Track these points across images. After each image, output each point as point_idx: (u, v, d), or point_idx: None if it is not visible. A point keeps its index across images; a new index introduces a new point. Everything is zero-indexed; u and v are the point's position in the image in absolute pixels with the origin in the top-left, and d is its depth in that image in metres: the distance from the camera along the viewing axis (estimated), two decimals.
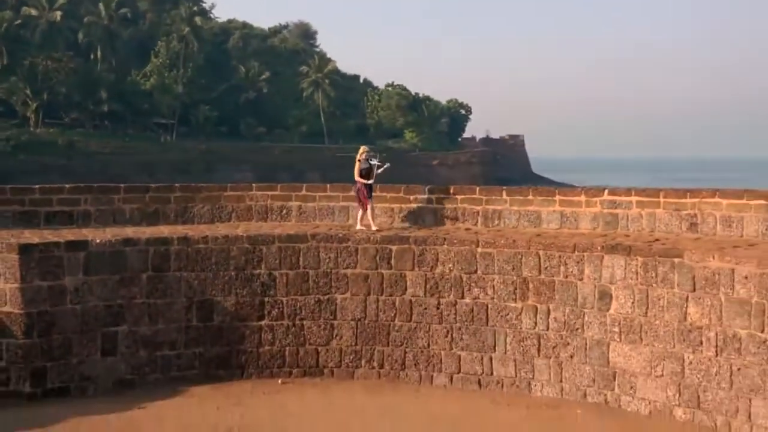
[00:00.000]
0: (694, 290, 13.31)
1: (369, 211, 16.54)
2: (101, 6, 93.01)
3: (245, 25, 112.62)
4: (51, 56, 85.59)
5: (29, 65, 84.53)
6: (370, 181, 16.67)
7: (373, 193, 16.84)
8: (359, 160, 16.78)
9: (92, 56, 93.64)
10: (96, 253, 14.85)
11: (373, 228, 16.35)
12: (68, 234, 15.54)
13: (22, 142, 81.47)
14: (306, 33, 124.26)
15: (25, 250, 14.28)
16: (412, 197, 17.63)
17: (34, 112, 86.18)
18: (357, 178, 16.69)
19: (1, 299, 14.23)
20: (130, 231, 16.11)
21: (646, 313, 13.88)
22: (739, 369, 12.74)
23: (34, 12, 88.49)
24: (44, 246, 14.54)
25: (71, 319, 14.53)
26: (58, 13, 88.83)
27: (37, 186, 17.66)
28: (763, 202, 14.73)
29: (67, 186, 17.82)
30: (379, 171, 16.95)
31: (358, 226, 16.51)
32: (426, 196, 17.59)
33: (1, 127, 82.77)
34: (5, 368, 14.18)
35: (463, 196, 17.43)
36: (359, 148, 17.58)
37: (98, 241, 15.05)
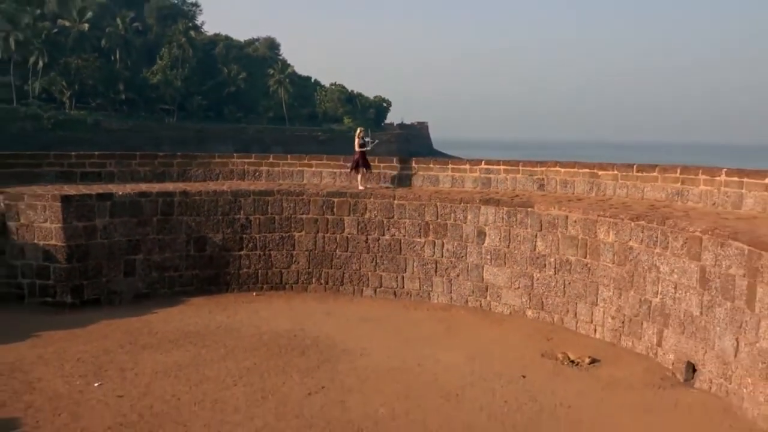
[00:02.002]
0: (541, 230, 13.73)
1: (360, 176, 16.39)
2: (119, 20, 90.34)
3: (227, 38, 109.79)
4: (81, 57, 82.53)
5: (64, 63, 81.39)
6: (362, 150, 16.47)
7: (366, 162, 16.54)
8: (358, 137, 16.56)
9: (112, 57, 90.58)
10: (119, 202, 14.56)
11: (360, 188, 16.18)
12: (98, 188, 15.15)
13: (59, 121, 78.81)
14: (272, 45, 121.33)
15: (65, 199, 13.92)
16: (348, 164, 17.62)
17: (68, 99, 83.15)
18: (356, 149, 16.50)
19: (48, 235, 13.89)
20: (144, 186, 15.80)
21: (509, 245, 14.26)
22: (569, 283, 13.28)
23: (67, 23, 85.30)
24: (80, 197, 14.19)
25: (101, 250, 14.28)
26: (86, 25, 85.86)
27: (73, 152, 17.13)
28: (587, 170, 15.21)
29: (96, 153, 17.39)
30: (370, 147, 16.85)
31: (360, 186, 16.29)
32: None
33: (44, 109, 79.85)
34: (53, 285, 13.92)
35: (384, 164, 17.56)
36: (357, 129, 17.54)
37: (120, 193, 14.74)
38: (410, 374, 10.61)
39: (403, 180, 17.04)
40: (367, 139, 16.76)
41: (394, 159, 17.77)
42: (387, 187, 16.69)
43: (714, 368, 9.82)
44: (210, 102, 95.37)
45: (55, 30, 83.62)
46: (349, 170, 16.85)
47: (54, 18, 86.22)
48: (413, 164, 17.31)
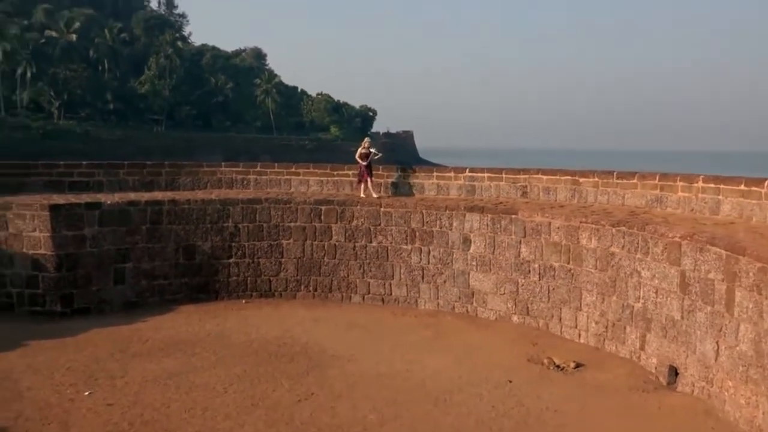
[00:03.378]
0: (525, 236, 13.76)
1: (369, 184, 16.21)
2: (106, 31, 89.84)
3: (214, 48, 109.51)
4: (69, 67, 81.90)
5: (52, 74, 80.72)
6: (365, 163, 16.26)
7: (370, 171, 16.36)
8: (363, 147, 16.40)
9: (100, 68, 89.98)
10: (108, 211, 14.41)
11: (374, 196, 15.97)
12: (86, 197, 15.00)
13: (48, 131, 78.00)
14: (258, 55, 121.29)
15: (54, 208, 13.77)
16: (335, 173, 17.64)
17: (57, 109, 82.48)
18: (358, 160, 16.34)
19: (37, 244, 13.72)
20: (132, 195, 15.65)
21: (494, 252, 14.28)
22: (553, 288, 13.32)
23: (55, 33, 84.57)
24: (69, 206, 14.05)
25: (90, 259, 14.12)
26: (74, 35, 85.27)
27: (62, 162, 16.97)
28: (569, 177, 15.26)
29: (84, 162, 17.18)
30: (376, 158, 16.64)
31: (362, 195, 16.15)
32: (345, 171, 17.60)
33: (32, 119, 79.08)
34: (42, 294, 13.75)
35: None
36: (365, 140, 17.07)
37: (109, 202, 14.60)
38: (398, 379, 10.57)
39: (388, 187, 17.00)
40: (372, 150, 16.61)
41: (380, 167, 17.68)
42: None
43: (696, 372, 9.88)
44: (198, 111, 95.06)
45: (43, 40, 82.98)
46: (357, 182, 16.57)
47: (41, 28, 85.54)
48: (398, 172, 17.24)
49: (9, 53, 78.46)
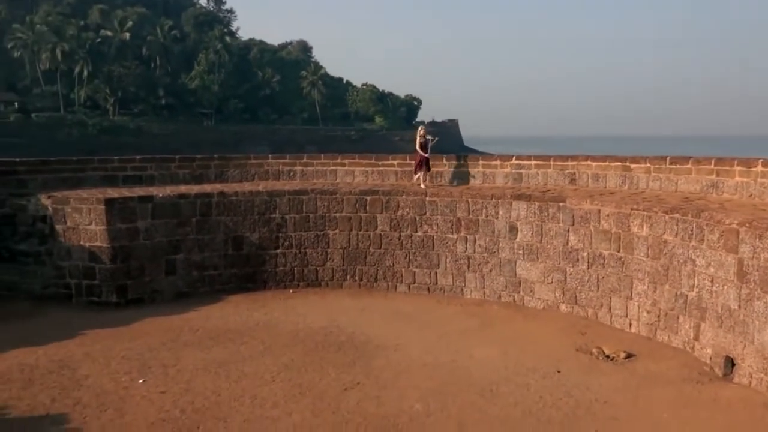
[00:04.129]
0: (573, 224, 13.45)
1: (422, 174, 16.07)
2: (158, 29, 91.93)
3: (261, 42, 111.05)
4: (123, 65, 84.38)
5: (107, 72, 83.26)
6: (427, 154, 16.10)
7: (427, 161, 16.12)
8: (420, 136, 16.22)
9: (152, 65, 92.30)
10: (159, 204, 14.69)
11: (422, 186, 15.87)
12: (139, 191, 15.34)
13: (104, 127, 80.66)
14: (305, 48, 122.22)
15: (109, 202, 14.12)
16: (380, 163, 17.57)
17: (111, 105, 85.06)
18: (417, 149, 16.17)
19: (93, 237, 14.11)
20: (183, 188, 15.91)
21: (541, 240, 14.00)
22: (603, 277, 12.98)
23: (110, 33, 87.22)
24: (123, 199, 14.38)
25: (143, 250, 14.44)
26: (127, 34, 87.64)
27: (116, 157, 17.37)
28: (619, 164, 14.86)
29: (137, 157, 17.52)
30: (432, 143, 16.44)
31: (415, 182, 16.10)
32: (390, 161, 17.52)
33: (88, 116, 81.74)
34: (98, 285, 14.15)
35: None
36: (420, 128, 16.83)
37: (161, 195, 14.88)
38: (444, 369, 10.47)
39: (433, 176, 16.83)
40: (428, 137, 16.34)
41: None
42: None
43: (754, 362, 9.46)
44: (246, 105, 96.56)
45: (98, 40, 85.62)
46: (413, 171, 16.43)
47: (97, 29, 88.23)
48: (444, 161, 17.03)
49: (67, 53, 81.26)
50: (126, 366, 10.48)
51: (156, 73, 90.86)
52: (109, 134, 78.22)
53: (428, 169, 16.27)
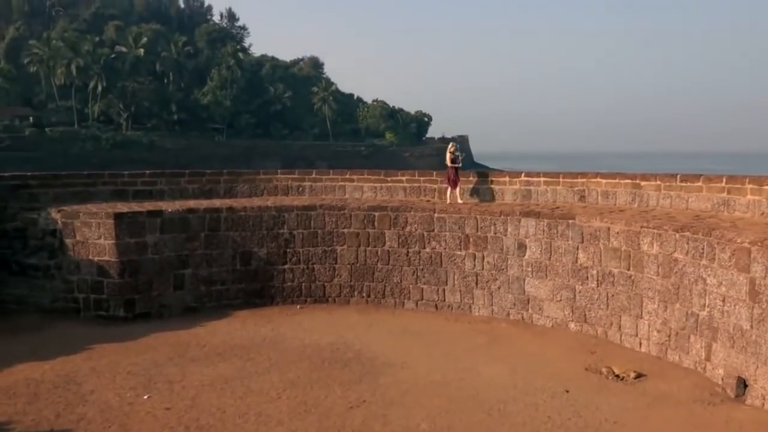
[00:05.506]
0: (583, 242, 13.33)
1: (457, 190, 16.10)
2: (172, 45, 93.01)
3: (273, 59, 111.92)
4: (136, 80, 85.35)
5: (121, 87, 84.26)
6: (458, 165, 16.21)
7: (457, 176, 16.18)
8: (450, 152, 16.28)
9: (166, 80, 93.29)
10: (168, 218, 14.71)
11: (459, 202, 15.85)
12: (148, 205, 15.38)
13: (117, 141, 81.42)
14: (316, 64, 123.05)
15: (118, 217, 14.16)
16: (389, 179, 17.56)
17: (125, 120, 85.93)
18: (448, 164, 16.21)
19: (102, 251, 14.14)
20: (192, 203, 15.96)
21: (550, 258, 13.89)
22: (613, 295, 12.83)
23: (124, 49, 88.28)
24: (132, 214, 14.42)
25: (151, 265, 14.43)
26: (141, 50, 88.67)
27: (126, 172, 17.47)
28: (629, 181, 14.78)
29: (147, 172, 17.64)
30: (460, 162, 16.49)
31: (449, 201, 16.02)
32: (399, 177, 17.52)
33: (102, 131, 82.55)
34: (106, 299, 14.14)
35: (424, 178, 17.40)
36: (451, 144, 16.83)
37: (170, 210, 14.91)
38: (452, 388, 10.34)
39: (442, 192, 16.80)
40: (457, 154, 16.40)
41: (433, 173, 17.51)
42: (427, 201, 16.47)
43: (767, 384, 9.26)
44: (257, 120, 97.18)
45: (113, 56, 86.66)
46: (446, 186, 16.42)
47: (112, 45, 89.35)
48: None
49: (82, 68, 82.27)
50: (131, 381, 10.43)
51: (169, 89, 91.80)
52: (122, 149, 78.91)
53: (458, 181, 16.25)
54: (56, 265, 14.45)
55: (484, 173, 17.32)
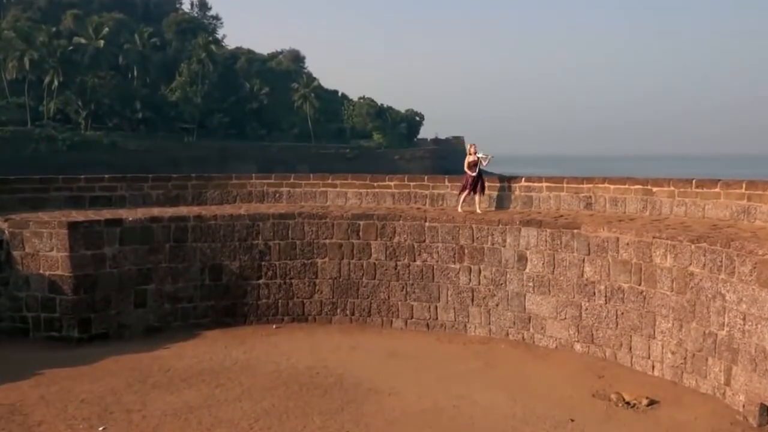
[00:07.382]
0: (589, 254, 13.34)
1: (477, 197, 15.68)
2: (136, 36, 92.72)
3: (249, 51, 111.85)
4: (97, 75, 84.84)
5: (80, 82, 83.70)
6: (476, 174, 15.62)
7: (483, 183, 15.80)
8: (470, 154, 15.81)
9: (130, 75, 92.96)
10: (129, 228, 14.56)
11: (478, 211, 15.45)
12: (107, 213, 15.25)
13: (74, 143, 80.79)
14: (296, 57, 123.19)
15: (72, 226, 13.99)
16: (375, 184, 17.51)
17: (84, 119, 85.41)
18: (466, 169, 15.74)
19: (54, 265, 13.94)
20: (156, 211, 15.84)
21: (553, 271, 13.89)
22: (622, 313, 12.84)
23: (83, 40, 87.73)
24: (88, 223, 14.25)
25: (110, 280, 14.26)
26: (102, 42, 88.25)
27: (82, 176, 17.31)
28: (640, 186, 14.83)
29: (106, 176, 17.52)
30: (485, 164, 15.99)
31: (460, 209, 15.67)
32: (386, 183, 17.47)
33: (58, 131, 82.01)
34: (59, 318, 13.95)
35: (415, 183, 17.38)
36: (470, 145, 16.21)
37: (131, 218, 14.76)
38: (444, 417, 10.28)
39: (434, 199, 16.78)
40: (479, 155, 15.77)
41: (425, 177, 17.65)
42: (417, 208, 16.44)
43: None
44: (231, 119, 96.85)
45: (71, 48, 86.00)
46: (458, 192, 16.00)
47: (70, 36, 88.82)
48: (446, 182, 17.02)
49: (36, 62, 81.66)
50: (85, 411, 10.24)
51: (133, 85, 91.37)
52: (80, 150, 78.25)
53: (483, 191, 15.83)
54: (2, 280, 14.22)
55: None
